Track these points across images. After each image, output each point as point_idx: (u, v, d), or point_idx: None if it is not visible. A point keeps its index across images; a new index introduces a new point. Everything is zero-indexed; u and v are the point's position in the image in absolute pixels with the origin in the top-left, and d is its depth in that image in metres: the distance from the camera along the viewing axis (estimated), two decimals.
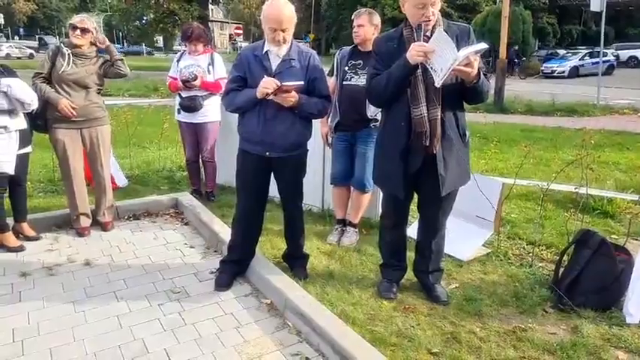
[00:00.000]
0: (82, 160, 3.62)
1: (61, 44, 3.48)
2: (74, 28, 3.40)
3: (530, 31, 26.12)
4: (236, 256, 2.89)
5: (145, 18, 33.31)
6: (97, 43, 3.50)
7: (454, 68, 2.16)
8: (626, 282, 2.62)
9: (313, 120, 2.83)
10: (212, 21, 45.54)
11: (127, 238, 3.63)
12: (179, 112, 4.32)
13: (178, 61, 4.35)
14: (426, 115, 2.36)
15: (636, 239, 3.35)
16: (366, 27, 3.29)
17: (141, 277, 3.02)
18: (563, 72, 23.76)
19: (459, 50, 2.13)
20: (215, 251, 3.38)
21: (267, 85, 2.47)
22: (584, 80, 21.07)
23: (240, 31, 33.48)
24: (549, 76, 23.87)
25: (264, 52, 2.62)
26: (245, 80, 2.65)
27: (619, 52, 28.36)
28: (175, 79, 4.27)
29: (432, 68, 2.24)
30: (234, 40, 41.03)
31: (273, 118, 2.58)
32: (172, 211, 4.17)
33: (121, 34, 59.82)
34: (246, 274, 2.97)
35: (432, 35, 2.30)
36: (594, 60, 22.96)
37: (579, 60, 24.54)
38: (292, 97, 2.50)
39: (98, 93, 3.57)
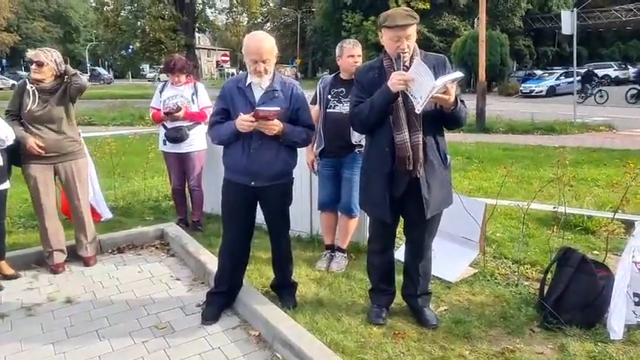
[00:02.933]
0: (53, 196, 3.56)
1: (27, 80, 3.41)
2: (31, 62, 3.37)
3: (507, 53, 26.88)
4: (223, 288, 2.87)
5: (130, 47, 33.52)
6: (65, 76, 3.42)
7: (433, 96, 2.24)
8: (608, 298, 2.66)
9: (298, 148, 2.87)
10: (199, 48, 45.99)
11: (110, 272, 3.57)
12: (164, 144, 4.32)
13: (161, 92, 4.36)
14: (408, 140, 2.42)
15: (615, 254, 3.40)
16: (361, 57, 3.38)
17: (124, 313, 2.95)
18: (541, 91, 24.40)
19: (436, 79, 2.21)
20: (202, 283, 3.35)
21: (244, 121, 2.51)
22: (561, 99, 21.65)
23: (227, 58, 33.89)
24: (528, 95, 24.49)
25: (247, 84, 2.67)
26: (228, 112, 2.69)
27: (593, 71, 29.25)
28: (158, 109, 4.29)
29: (412, 95, 2.32)
30: (221, 66, 41.44)
31: (258, 147, 2.61)
32: (158, 243, 4.13)
33: (106, 63, 59.94)
34: (233, 305, 2.94)
35: (410, 65, 2.39)
36: (570, 79, 23.65)
37: (555, 80, 25.26)
38: (275, 125, 2.54)
39: (71, 124, 3.52)
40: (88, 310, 2.99)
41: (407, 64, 2.43)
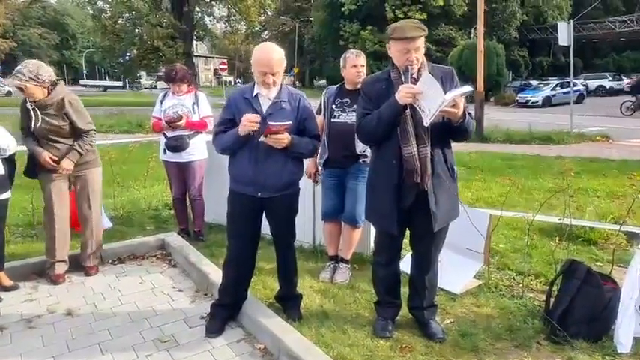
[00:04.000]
0: (67, 208, 3.55)
1: (26, 98, 3.34)
2: None
3: (503, 63, 27.13)
4: (228, 300, 2.84)
5: (128, 54, 33.54)
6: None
7: (441, 109, 2.24)
8: (615, 311, 2.65)
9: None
10: (197, 56, 46.11)
11: (111, 283, 3.52)
12: (165, 153, 4.30)
13: (162, 101, 4.34)
14: (416, 153, 2.41)
15: (619, 266, 3.40)
16: (365, 67, 3.40)
17: (127, 325, 2.91)
18: (537, 101, 24.60)
19: (444, 91, 2.21)
20: (205, 294, 3.31)
21: (250, 120, 2.49)
22: (556, 109, 21.83)
23: (225, 66, 33.94)
24: (524, 105, 24.68)
25: (253, 94, 2.66)
26: (233, 122, 2.68)
27: (587, 81, 29.61)
28: (159, 119, 4.27)
29: (420, 109, 2.32)
30: (219, 74, 41.54)
31: (265, 158, 2.60)
32: (159, 253, 4.09)
33: (103, 70, 59.96)
34: (238, 317, 2.91)
35: (418, 77, 2.39)
36: (565, 90, 23.92)
37: (551, 90, 25.48)
38: (284, 139, 2.53)
39: (94, 134, 3.51)
40: (89, 322, 2.95)
41: (415, 76, 2.44)
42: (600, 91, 29.65)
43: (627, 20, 33.57)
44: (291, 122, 2.56)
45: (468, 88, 2.29)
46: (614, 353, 2.53)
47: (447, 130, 2.47)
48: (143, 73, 49.46)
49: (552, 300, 2.86)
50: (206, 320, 2.89)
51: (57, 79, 3.40)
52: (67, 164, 3.39)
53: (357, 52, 3.50)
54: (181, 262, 3.82)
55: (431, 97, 2.24)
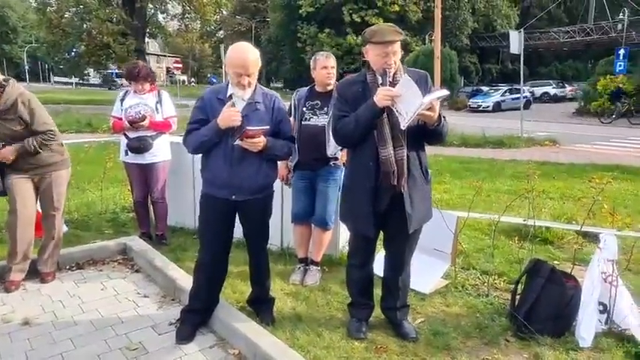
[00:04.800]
0: (33, 209, 3.36)
1: None
2: None
3: (456, 69, 28.06)
4: (199, 305, 2.75)
5: (75, 50, 32.02)
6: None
7: (418, 112, 2.27)
8: (577, 308, 2.79)
9: None
10: (149, 54, 44.69)
11: (70, 290, 3.34)
12: (126, 154, 4.12)
13: (122, 100, 4.16)
14: (392, 155, 2.44)
15: (578, 265, 3.59)
16: (335, 69, 3.39)
17: (90, 334, 2.76)
18: (488, 107, 25.59)
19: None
20: (172, 299, 3.20)
21: (231, 116, 2.44)
22: (506, 114, 22.82)
23: (180, 65, 33.07)
24: (476, 110, 25.61)
25: (227, 95, 2.60)
26: (207, 122, 2.60)
27: (533, 88, 31.13)
28: (120, 119, 4.10)
29: (397, 111, 2.34)
30: (172, 73, 40.41)
31: (240, 160, 2.54)
32: (120, 258, 3.91)
33: (47, 66, 56.92)
34: (209, 322, 2.83)
35: (394, 80, 2.42)
36: (514, 96, 25.04)
37: (501, 96, 26.58)
38: (261, 142, 2.49)
39: (50, 135, 3.30)
40: (49, 332, 2.78)
41: (390, 79, 2.46)
42: (545, 98, 31.27)
43: (570, 31, 35.63)
44: (268, 127, 2.52)
45: (444, 92, 2.34)
46: (577, 348, 2.65)
47: (423, 133, 2.51)
48: (91, 71, 47.41)
49: (518, 298, 2.97)
50: (176, 326, 2.79)
51: (5, 79, 3.18)
52: (6, 152, 3.16)
53: (327, 54, 3.50)
54: (145, 267, 3.67)
55: (409, 101, 2.27)
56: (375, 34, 2.42)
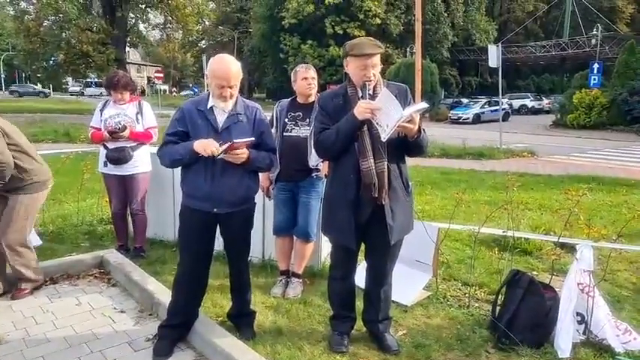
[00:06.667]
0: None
1: None
2: None
3: (437, 81, 28.48)
4: (178, 320, 2.69)
5: (53, 59, 31.48)
6: None
7: (398, 125, 2.29)
8: (555, 318, 2.82)
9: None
10: (129, 63, 44.24)
11: (43, 306, 3.23)
12: (105, 165, 4.04)
13: (102, 110, 4.10)
14: (373, 167, 2.44)
15: (556, 275, 3.63)
16: (315, 80, 3.39)
17: (63, 351, 2.67)
18: (468, 118, 26.03)
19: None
20: (150, 314, 3.12)
21: (209, 146, 2.41)
22: (485, 126, 23.22)
23: (161, 75, 32.81)
24: (456, 122, 26.02)
25: (208, 106, 2.58)
26: (186, 135, 2.58)
27: (512, 101, 31.83)
28: (98, 129, 4.03)
29: (378, 124, 2.35)
30: (154, 82, 40.05)
31: (222, 173, 2.51)
32: (97, 272, 3.81)
33: (24, 74, 55.84)
34: (188, 337, 2.77)
35: (374, 93, 2.44)
36: (493, 108, 25.53)
37: (480, 108, 27.08)
38: (244, 154, 2.47)
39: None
40: (20, 350, 2.67)
41: (371, 92, 2.48)
42: (523, 110, 32.01)
43: (546, 45, 36.67)
44: (254, 139, 2.51)
45: (424, 105, 2.37)
46: (556, 358, 2.67)
47: (404, 146, 2.53)
48: (69, 79, 46.74)
49: (498, 309, 2.99)
50: (153, 342, 2.72)
51: None
52: None
53: (307, 66, 3.51)
54: (122, 280, 3.59)
55: (389, 113, 2.28)
56: (355, 47, 2.44)
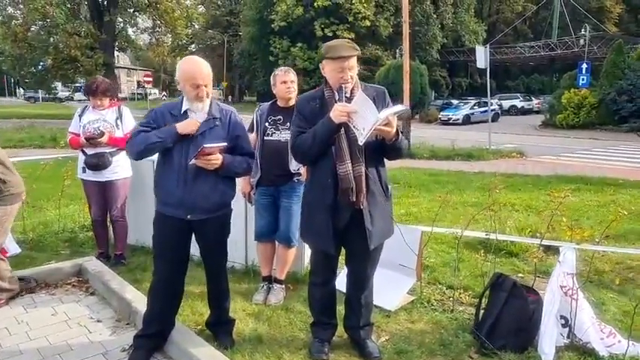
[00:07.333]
0: None
1: None
2: None
3: (427, 83, 28.55)
4: (153, 329, 2.62)
5: (42, 64, 31.18)
6: None
7: (375, 128, 2.25)
8: (538, 322, 2.79)
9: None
10: (118, 67, 43.96)
11: (18, 316, 3.15)
12: (84, 171, 3.96)
13: (81, 115, 4.02)
14: (351, 171, 2.40)
15: (539, 276, 3.61)
16: (295, 83, 3.34)
17: None
18: (458, 119, 26.15)
19: (379, 111, 2.22)
20: (127, 324, 3.05)
21: (192, 124, 2.41)
22: (475, 127, 23.33)
23: (150, 79, 32.62)
24: (446, 123, 26.13)
25: (182, 111, 2.52)
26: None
27: (501, 101, 32.01)
28: (77, 135, 3.95)
29: (355, 127, 2.31)
30: (143, 86, 39.80)
31: (195, 178, 2.45)
32: (75, 280, 3.72)
33: (12, 80, 55.27)
34: (164, 347, 2.70)
35: (351, 96, 2.40)
36: (483, 109, 25.66)
37: (470, 109, 27.21)
38: (216, 160, 2.41)
39: None
40: None
41: (348, 95, 2.44)
42: (513, 111, 32.18)
43: (535, 46, 36.96)
44: (226, 144, 2.45)
45: (400, 107, 2.33)
46: None
47: (381, 149, 2.49)
48: (58, 84, 46.29)
49: (482, 312, 2.95)
50: (129, 353, 2.66)
51: None
52: None
53: (286, 69, 3.47)
54: (100, 289, 3.51)
55: (365, 116, 2.24)
56: (331, 50, 2.40)
